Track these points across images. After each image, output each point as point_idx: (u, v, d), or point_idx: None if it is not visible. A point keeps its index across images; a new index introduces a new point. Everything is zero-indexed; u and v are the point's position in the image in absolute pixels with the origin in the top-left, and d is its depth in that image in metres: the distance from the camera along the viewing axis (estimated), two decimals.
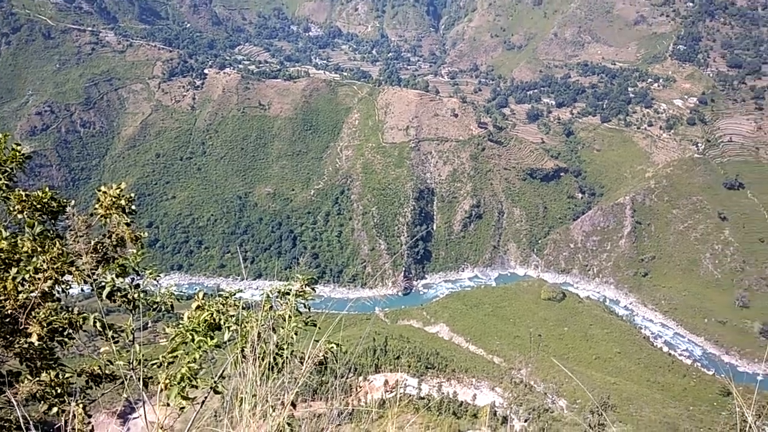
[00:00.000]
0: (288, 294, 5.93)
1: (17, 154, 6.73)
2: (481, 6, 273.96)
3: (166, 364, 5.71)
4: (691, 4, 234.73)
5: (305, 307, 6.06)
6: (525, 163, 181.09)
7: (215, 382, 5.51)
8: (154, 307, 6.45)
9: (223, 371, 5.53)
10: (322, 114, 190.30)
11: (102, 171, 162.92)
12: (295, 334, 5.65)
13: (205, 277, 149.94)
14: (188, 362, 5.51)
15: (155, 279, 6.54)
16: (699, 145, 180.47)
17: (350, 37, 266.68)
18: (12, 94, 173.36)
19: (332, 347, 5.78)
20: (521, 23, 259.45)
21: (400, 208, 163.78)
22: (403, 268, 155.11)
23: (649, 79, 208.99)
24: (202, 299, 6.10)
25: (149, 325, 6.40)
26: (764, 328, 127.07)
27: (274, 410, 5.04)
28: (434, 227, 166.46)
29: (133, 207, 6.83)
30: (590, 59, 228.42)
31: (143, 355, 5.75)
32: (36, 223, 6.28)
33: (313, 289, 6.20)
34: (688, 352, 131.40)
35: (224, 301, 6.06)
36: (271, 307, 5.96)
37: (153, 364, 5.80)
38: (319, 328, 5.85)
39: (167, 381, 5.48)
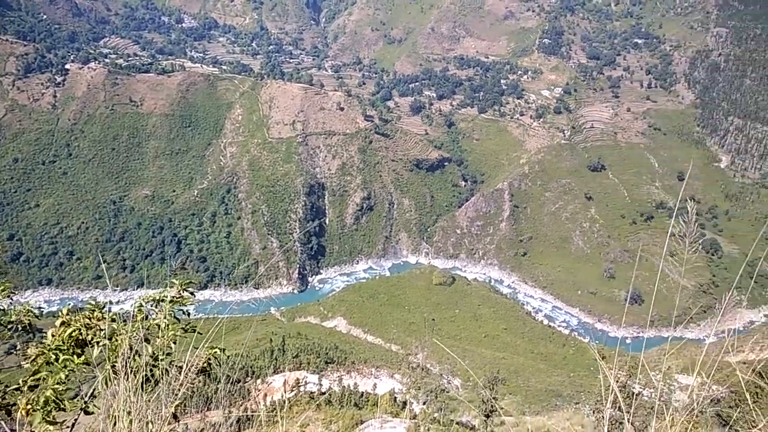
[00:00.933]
0: (163, 301, 5.55)
1: None
2: (359, 0, 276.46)
3: (26, 388, 5.13)
4: (553, 1, 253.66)
5: (184, 313, 5.71)
6: (411, 154, 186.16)
7: (85, 402, 5.04)
8: (9, 327, 5.77)
9: (94, 390, 5.05)
10: (202, 110, 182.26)
11: None
12: (174, 342, 5.29)
13: (79, 290, 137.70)
14: (53, 384, 4.99)
15: (9, 296, 5.87)
16: (565, 131, 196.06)
17: (228, 29, 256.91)
18: None
19: (215, 352, 5.49)
20: (400, 17, 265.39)
21: (290, 205, 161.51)
22: (298, 265, 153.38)
23: (519, 72, 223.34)
24: (67, 314, 5.55)
25: (17, 348, 5.76)
26: (628, 296, 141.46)
27: (152, 425, 4.69)
28: (326, 221, 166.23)
29: None
30: (466, 53, 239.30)
31: (1, 381, 5.15)
32: None
33: (191, 293, 5.86)
34: (565, 323, 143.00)
35: (92, 315, 5.54)
36: (146, 316, 5.55)
37: (14, 389, 5.21)
38: (200, 333, 5.53)
39: (29, 406, 4.93)
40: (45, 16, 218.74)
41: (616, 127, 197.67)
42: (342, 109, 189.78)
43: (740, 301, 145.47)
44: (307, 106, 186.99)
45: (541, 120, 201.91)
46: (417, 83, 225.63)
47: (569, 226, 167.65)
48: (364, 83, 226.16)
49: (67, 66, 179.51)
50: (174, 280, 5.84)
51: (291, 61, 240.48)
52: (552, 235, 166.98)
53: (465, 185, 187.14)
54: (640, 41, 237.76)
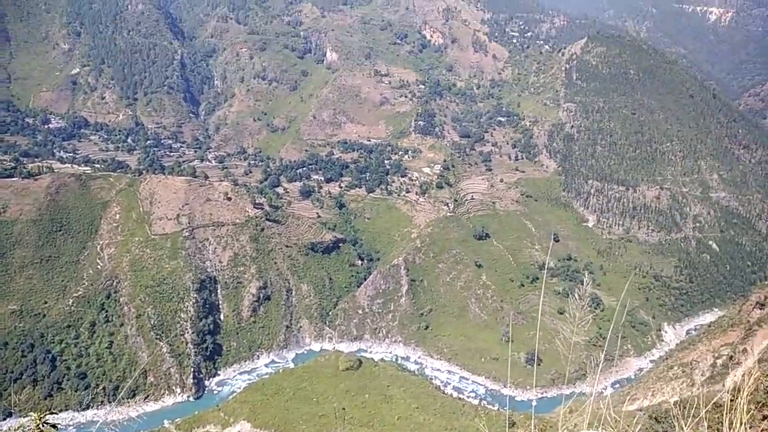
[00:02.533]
0: None
1: None
2: (239, 92, 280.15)
3: None
4: (423, 87, 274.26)
5: None
6: (305, 238, 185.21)
7: None
8: None
9: None
10: (74, 212, 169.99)
11: None
12: None
13: None
14: None
15: None
16: (449, 205, 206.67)
17: (100, 127, 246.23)
18: None
19: None
20: (281, 107, 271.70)
21: (180, 304, 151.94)
22: (192, 369, 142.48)
23: (400, 152, 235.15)
24: None
25: None
26: (528, 357, 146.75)
27: None
28: (221, 317, 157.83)
29: None
30: (348, 137, 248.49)
31: None
32: None
33: (54, 426, 5.07)
34: (474, 392, 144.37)
35: None
36: None
37: None
38: None
39: None
40: None
41: (493, 197, 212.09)
42: (230, 198, 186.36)
43: (627, 351, 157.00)
44: (192, 199, 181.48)
45: (426, 195, 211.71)
46: (304, 168, 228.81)
47: (465, 295, 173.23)
48: (250, 172, 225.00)
49: None
50: (32, 413, 5.07)
51: (171, 154, 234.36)
52: (450, 305, 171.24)
53: (362, 264, 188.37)
54: (503, 119, 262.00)
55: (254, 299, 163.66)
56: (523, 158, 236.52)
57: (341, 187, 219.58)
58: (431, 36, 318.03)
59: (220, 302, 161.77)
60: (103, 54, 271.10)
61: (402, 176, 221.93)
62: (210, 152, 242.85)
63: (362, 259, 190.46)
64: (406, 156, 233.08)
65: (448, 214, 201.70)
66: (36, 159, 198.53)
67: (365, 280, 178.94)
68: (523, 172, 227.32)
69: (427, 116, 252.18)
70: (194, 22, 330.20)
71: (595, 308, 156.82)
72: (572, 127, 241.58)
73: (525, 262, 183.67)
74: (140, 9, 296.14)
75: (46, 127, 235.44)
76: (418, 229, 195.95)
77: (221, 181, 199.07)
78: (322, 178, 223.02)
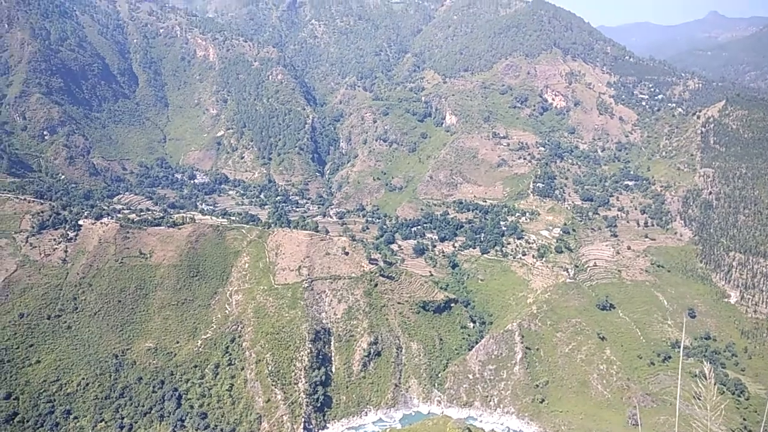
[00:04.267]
0: None
1: None
2: (361, 153, 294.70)
3: None
4: (542, 149, 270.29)
5: None
6: (417, 296, 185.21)
7: None
8: None
9: None
10: (210, 259, 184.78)
11: None
12: None
13: None
14: None
15: None
16: (569, 270, 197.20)
17: (237, 183, 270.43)
18: None
19: None
20: (399, 168, 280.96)
21: (296, 353, 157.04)
22: (303, 420, 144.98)
23: (517, 214, 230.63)
24: None
25: None
26: None
27: None
28: (333, 369, 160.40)
29: None
30: (464, 197, 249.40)
31: None
32: None
33: None
34: None
35: None
36: None
37: None
38: None
39: None
40: (63, 176, 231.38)
41: (619, 265, 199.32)
42: (347, 253, 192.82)
43: None
44: (313, 252, 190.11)
45: (544, 259, 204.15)
46: (419, 227, 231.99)
47: (586, 369, 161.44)
48: (367, 228, 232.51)
49: (80, 222, 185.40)
50: None
51: (297, 210, 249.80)
52: (569, 378, 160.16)
53: (474, 327, 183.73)
54: (630, 183, 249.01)
55: (365, 354, 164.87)
56: (653, 225, 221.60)
57: (455, 247, 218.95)
58: (553, 99, 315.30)
59: (333, 354, 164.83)
60: (245, 118, 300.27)
61: (518, 238, 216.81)
62: (332, 208, 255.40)
63: (474, 322, 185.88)
64: (524, 218, 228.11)
65: (568, 280, 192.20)
66: (181, 210, 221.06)
67: (477, 343, 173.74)
68: (654, 239, 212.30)
69: (547, 178, 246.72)
70: (325, 90, 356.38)
71: (739, 396, 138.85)
72: (710, 193, 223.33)
73: (655, 338, 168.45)
74: (279, 79, 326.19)
75: (192, 182, 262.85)
76: (534, 294, 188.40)
77: (340, 236, 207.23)
78: (437, 237, 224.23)
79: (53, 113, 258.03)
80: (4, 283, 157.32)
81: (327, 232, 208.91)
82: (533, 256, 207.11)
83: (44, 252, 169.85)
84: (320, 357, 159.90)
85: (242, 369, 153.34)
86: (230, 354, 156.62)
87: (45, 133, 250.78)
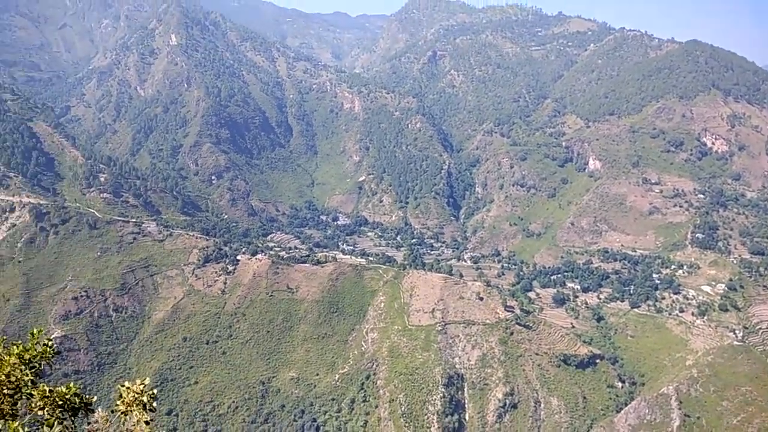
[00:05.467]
0: None
1: (48, 350, 6.76)
2: (497, 198, 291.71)
3: None
4: (701, 197, 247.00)
5: None
6: (557, 349, 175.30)
7: None
8: None
9: None
10: (348, 297, 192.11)
11: (128, 355, 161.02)
12: None
13: None
14: None
15: None
16: (737, 332, 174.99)
17: (376, 225, 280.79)
18: (52, 279, 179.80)
19: None
20: (537, 213, 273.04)
21: (428, 396, 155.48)
22: None
23: (673, 266, 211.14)
24: None
25: None
26: None
27: None
28: (466, 417, 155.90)
29: (155, 404, 6.60)
30: (610, 246, 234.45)
31: None
32: (56, 422, 6.25)
33: None
34: None
35: None
36: None
37: None
38: None
39: None
40: (226, 216, 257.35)
41: None
42: (481, 298, 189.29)
43: None
44: (447, 295, 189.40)
45: (705, 318, 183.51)
46: (559, 275, 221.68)
47: None
48: (503, 274, 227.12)
49: (239, 257, 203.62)
50: None
51: (432, 252, 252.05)
52: None
53: (622, 387, 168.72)
54: None
55: (500, 405, 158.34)
56: None
57: (600, 299, 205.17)
58: (713, 143, 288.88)
59: (466, 401, 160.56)
60: (384, 164, 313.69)
61: (675, 293, 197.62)
62: (466, 253, 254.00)
63: (623, 381, 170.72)
64: (681, 271, 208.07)
65: (735, 342, 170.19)
66: (324, 249, 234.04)
67: (626, 405, 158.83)
68: None
69: (708, 228, 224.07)
70: (462, 136, 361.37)
71: None
72: None
73: None
74: (418, 127, 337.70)
75: (335, 223, 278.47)
76: (694, 355, 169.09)
77: (475, 280, 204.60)
78: (579, 287, 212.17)
79: (220, 160, 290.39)
80: (173, 309, 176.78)
81: (461, 276, 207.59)
82: (693, 314, 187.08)
83: (207, 283, 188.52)
84: (453, 403, 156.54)
85: (376, 407, 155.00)
86: (365, 390, 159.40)
87: (213, 177, 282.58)
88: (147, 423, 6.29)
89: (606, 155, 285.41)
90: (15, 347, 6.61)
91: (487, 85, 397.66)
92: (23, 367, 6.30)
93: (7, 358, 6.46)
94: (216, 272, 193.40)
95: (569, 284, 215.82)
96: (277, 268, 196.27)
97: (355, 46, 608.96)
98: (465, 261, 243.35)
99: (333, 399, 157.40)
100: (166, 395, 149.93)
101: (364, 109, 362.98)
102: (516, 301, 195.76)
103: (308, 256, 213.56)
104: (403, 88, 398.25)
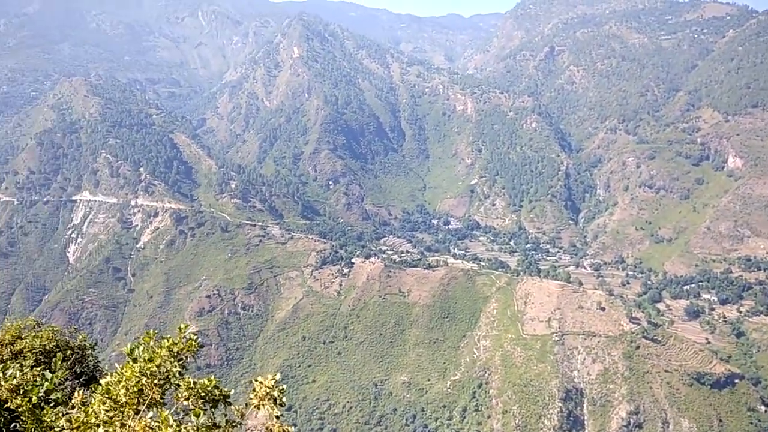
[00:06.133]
0: None
1: (193, 344, 7.55)
2: (622, 201, 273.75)
3: None
4: None
5: None
6: (689, 366, 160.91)
7: None
8: None
9: None
10: (460, 302, 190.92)
11: (254, 352, 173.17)
12: None
13: None
14: None
15: None
16: None
17: (488, 230, 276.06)
18: (189, 278, 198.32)
19: None
20: (668, 217, 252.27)
21: (544, 409, 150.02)
22: None
23: None
24: None
25: None
26: None
27: None
28: None
29: (284, 399, 7.11)
30: (753, 253, 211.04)
31: None
32: (201, 413, 6.74)
33: None
34: None
35: None
36: None
37: None
38: None
39: None
40: (342, 220, 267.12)
41: None
42: (603, 309, 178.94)
43: None
44: (564, 304, 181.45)
45: None
46: (692, 285, 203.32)
47: None
48: (628, 283, 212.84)
49: (353, 260, 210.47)
50: None
51: (548, 258, 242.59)
52: None
53: (766, 411, 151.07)
54: None
55: (623, 423, 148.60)
56: None
57: (740, 312, 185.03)
58: None
59: (585, 418, 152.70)
60: (498, 167, 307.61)
61: None
62: (586, 259, 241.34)
63: (767, 405, 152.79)
64: None
65: None
66: (436, 253, 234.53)
67: None
68: None
69: None
70: (582, 135, 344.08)
71: None
72: None
73: None
74: (533, 126, 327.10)
75: (446, 227, 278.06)
76: None
77: (595, 289, 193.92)
78: (716, 299, 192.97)
79: (337, 166, 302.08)
80: (293, 309, 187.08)
81: (580, 284, 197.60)
82: None
83: (324, 284, 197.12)
84: (571, 419, 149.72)
85: (488, 417, 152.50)
86: (477, 399, 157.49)
87: (330, 183, 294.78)
88: (277, 417, 7.25)
89: (748, 152, 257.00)
90: (165, 341, 7.54)
91: (610, 80, 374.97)
92: (172, 359, 7.30)
93: (158, 350, 7.41)
94: (332, 274, 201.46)
95: (704, 295, 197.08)
96: (390, 271, 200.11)
97: (468, 47, 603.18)
98: (585, 268, 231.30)
99: (444, 406, 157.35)
100: (287, 392, 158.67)
101: (476, 110, 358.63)
102: (643, 312, 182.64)
103: (420, 260, 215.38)
104: (517, 88, 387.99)
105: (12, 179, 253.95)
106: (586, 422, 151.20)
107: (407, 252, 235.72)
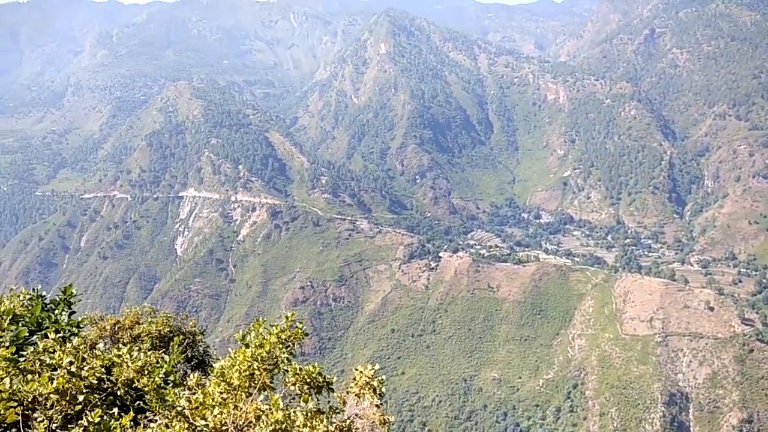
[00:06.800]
0: None
1: (299, 331, 7.53)
2: (733, 192, 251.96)
3: None
4: None
5: None
6: None
7: None
8: None
9: None
10: (552, 299, 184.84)
11: (345, 342, 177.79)
12: None
13: None
14: None
15: None
16: None
17: (582, 224, 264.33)
18: (284, 270, 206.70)
19: None
20: None
21: (645, 413, 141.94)
22: None
23: None
24: None
25: None
26: None
27: None
28: None
29: (383, 389, 6.79)
30: None
31: None
32: (309, 399, 6.92)
33: None
34: None
35: None
36: None
37: None
38: None
39: None
40: (429, 214, 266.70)
41: None
42: (712, 308, 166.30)
43: None
44: (668, 303, 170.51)
45: None
46: None
47: None
48: (740, 281, 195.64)
49: (440, 254, 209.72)
50: None
51: (649, 255, 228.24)
52: None
53: None
54: None
55: None
56: None
57: None
58: None
59: (691, 424, 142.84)
60: (593, 157, 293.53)
61: None
62: (692, 255, 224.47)
63: None
64: None
65: None
66: (526, 248, 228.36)
67: None
68: None
69: None
70: (687, 122, 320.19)
71: None
72: None
73: None
74: (632, 114, 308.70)
75: (537, 221, 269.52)
76: None
77: (703, 287, 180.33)
78: None
79: (424, 160, 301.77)
80: (382, 301, 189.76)
81: (686, 282, 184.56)
82: None
83: (412, 278, 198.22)
84: (675, 424, 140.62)
85: (584, 419, 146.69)
86: (572, 400, 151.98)
87: (417, 177, 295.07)
88: (377, 407, 7.52)
89: None
90: (274, 328, 7.92)
91: (718, 62, 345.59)
92: (280, 345, 7.60)
93: (268, 337, 7.78)
94: (420, 268, 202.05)
95: None
96: (478, 266, 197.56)
97: (560, 34, 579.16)
98: (691, 265, 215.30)
99: (537, 405, 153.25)
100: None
101: (569, 99, 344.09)
102: (757, 313, 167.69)
103: (509, 254, 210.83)
104: (614, 74, 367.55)
105: (126, 177, 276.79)
106: (691, 429, 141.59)
107: (496, 247, 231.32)
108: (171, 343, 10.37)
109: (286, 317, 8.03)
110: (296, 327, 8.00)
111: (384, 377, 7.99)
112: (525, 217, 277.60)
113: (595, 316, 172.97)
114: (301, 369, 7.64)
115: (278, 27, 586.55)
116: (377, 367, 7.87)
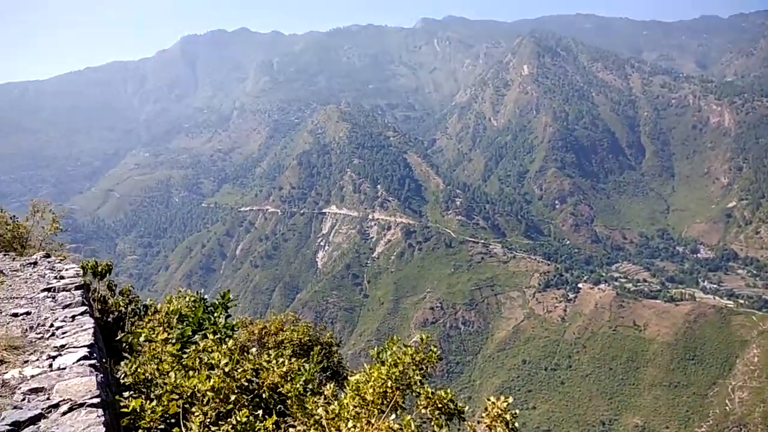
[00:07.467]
0: None
1: (433, 355, 7.47)
2: None
3: None
4: None
5: None
6: None
7: None
8: None
9: None
10: (709, 344, 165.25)
11: (473, 368, 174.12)
12: None
13: None
14: None
15: None
16: None
17: (749, 261, 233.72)
18: (415, 290, 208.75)
19: None
20: None
21: None
22: None
23: None
24: None
25: None
26: None
27: None
28: None
29: (516, 424, 6.88)
30: None
31: None
32: (444, 424, 6.82)
33: None
34: None
35: None
36: None
37: None
38: None
39: None
40: (568, 242, 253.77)
41: None
42: None
43: None
44: None
45: None
46: None
47: None
48: None
49: (579, 285, 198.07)
50: None
51: None
52: None
53: None
54: None
55: None
56: None
57: None
58: None
59: None
60: (763, 188, 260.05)
61: None
62: None
63: None
64: None
65: None
66: (680, 285, 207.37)
67: None
68: None
69: None
70: None
71: None
72: None
73: None
74: None
75: (694, 256, 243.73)
76: None
77: None
78: None
79: (564, 185, 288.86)
80: (513, 330, 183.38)
81: None
82: None
83: (546, 308, 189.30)
84: None
85: None
86: None
87: (556, 202, 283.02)
88: None
89: None
90: (409, 348, 8.04)
91: None
92: (414, 366, 7.71)
93: (402, 357, 7.92)
94: (556, 298, 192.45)
95: None
96: (622, 300, 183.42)
97: (726, 51, 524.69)
98: None
99: None
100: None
101: (737, 122, 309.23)
102: None
103: (660, 291, 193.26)
104: None
105: (278, 193, 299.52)
106: None
107: (644, 281, 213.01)
108: (311, 352, 10.96)
109: (421, 339, 8.12)
110: (430, 350, 8.04)
111: (517, 412, 7.72)
112: (680, 251, 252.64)
113: (761, 367, 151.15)
114: (433, 393, 7.65)
115: (422, 52, 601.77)
116: (510, 399, 7.61)
